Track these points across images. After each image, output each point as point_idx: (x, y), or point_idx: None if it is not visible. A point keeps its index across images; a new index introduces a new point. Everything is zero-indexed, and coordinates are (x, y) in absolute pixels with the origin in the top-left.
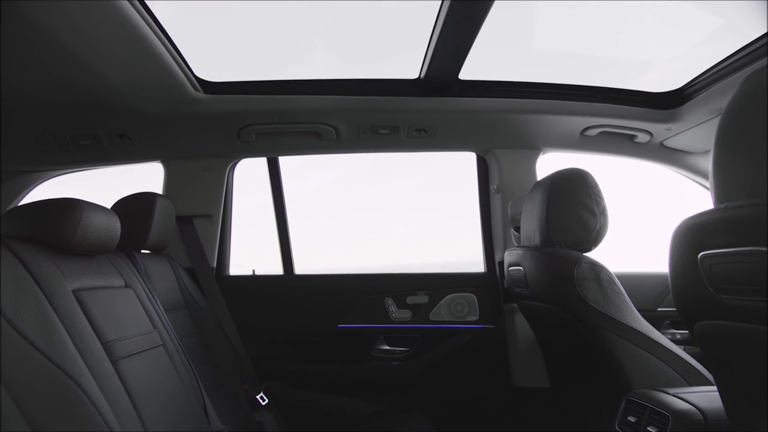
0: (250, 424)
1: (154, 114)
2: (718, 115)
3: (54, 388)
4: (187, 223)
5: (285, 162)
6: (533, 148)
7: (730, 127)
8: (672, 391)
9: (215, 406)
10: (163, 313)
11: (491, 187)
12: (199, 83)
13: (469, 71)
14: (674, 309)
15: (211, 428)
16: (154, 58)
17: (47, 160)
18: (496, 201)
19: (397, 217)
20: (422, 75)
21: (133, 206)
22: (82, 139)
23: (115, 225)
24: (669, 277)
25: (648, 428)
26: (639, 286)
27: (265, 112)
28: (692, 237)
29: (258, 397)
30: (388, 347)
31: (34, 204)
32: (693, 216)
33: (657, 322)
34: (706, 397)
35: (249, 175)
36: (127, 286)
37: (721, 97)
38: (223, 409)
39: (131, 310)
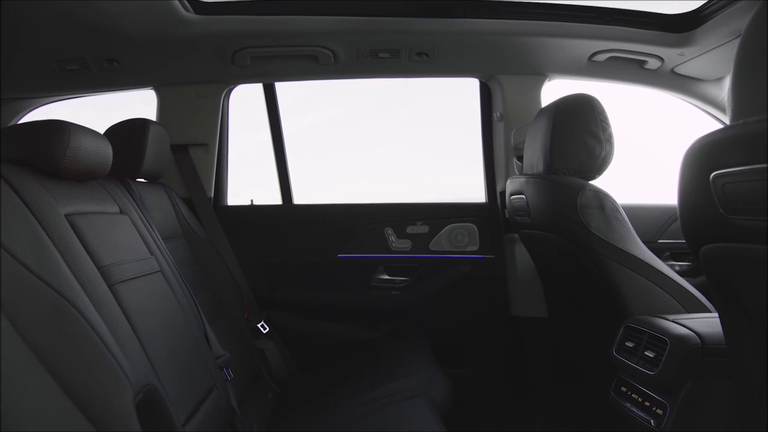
0: (252, 351)
1: (143, 36)
2: (735, 38)
3: (51, 311)
4: (183, 152)
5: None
6: (539, 74)
7: (753, 40)
8: (671, 317)
9: (216, 334)
10: (161, 240)
11: (494, 114)
12: (190, 3)
13: None
14: (675, 241)
15: (212, 353)
16: None
17: (32, 87)
18: (498, 129)
19: (396, 155)
20: None
21: (126, 132)
22: (69, 64)
23: (107, 149)
24: (678, 200)
25: (645, 353)
26: (641, 217)
27: (260, 34)
28: (705, 156)
29: (259, 325)
30: (387, 276)
31: (21, 126)
32: (707, 134)
33: (658, 253)
34: (705, 322)
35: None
36: (122, 212)
37: (741, 17)
38: (225, 336)
39: (127, 236)
